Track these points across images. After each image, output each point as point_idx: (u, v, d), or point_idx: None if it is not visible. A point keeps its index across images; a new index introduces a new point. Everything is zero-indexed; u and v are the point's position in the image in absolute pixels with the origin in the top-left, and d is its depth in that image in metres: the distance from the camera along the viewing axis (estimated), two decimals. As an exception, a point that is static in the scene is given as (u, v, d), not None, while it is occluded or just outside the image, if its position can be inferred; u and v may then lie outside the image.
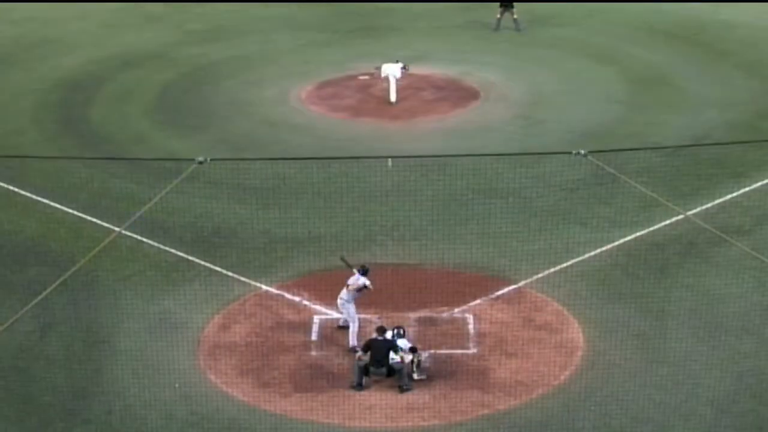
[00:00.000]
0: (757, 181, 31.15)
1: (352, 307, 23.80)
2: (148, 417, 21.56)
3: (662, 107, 38.56)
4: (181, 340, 24.00)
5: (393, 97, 39.03)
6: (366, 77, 40.61)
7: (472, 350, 23.71)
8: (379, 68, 39.50)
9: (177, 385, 22.42)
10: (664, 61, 43.57)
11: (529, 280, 26.15)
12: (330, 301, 24.46)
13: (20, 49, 46.45)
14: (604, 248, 27.73)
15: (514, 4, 47.60)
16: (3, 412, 21.85)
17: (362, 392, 22.32)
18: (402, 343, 22.78)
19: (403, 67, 39.24)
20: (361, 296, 23.94)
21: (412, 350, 22.81)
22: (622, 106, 38.84)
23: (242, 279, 26.48)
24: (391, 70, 39.12)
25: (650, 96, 39.79)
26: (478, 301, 25.38)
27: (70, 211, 29.90)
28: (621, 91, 40.37)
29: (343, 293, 23.85)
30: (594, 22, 49.44)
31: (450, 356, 23.40)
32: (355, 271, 23.92)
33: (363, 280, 23.82)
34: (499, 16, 47.72)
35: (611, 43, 46.18)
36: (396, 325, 23.42)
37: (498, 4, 47.84)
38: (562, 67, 43.18)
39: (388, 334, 22.83)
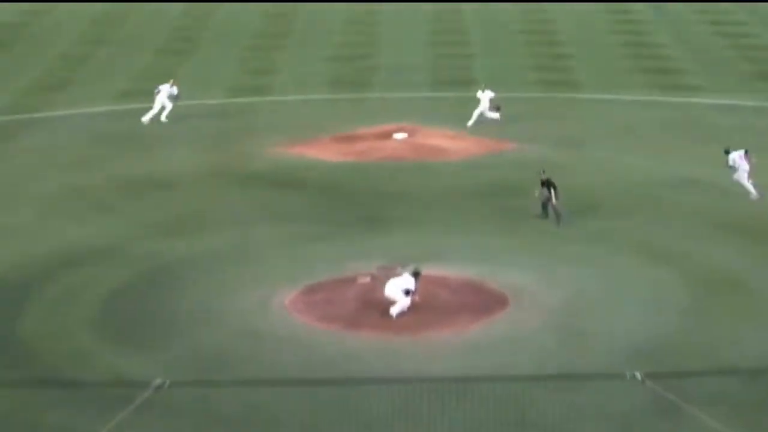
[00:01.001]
0: None
1: None
2: None
3: (735, 318, 38.31)
4: None
5: (393, 311, 38.59)
6: (366, 280, 40.29)
7: None
8: (383, 268, 39.13)
9: None
10: (734, 261, 43.53)
11: None
12: None
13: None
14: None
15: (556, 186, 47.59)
16: None
17: None
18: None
19: (415, 274, 38.61)
20: None
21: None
22: (683, 316, 38.62)
23: None
24: (395, 284, 38.43)
25: (719, 304, 39.58)
26: None
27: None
28: (681, 298, 40.20)
29: None
30: (645, 213, 49.60)
31: None
32: None
33: None
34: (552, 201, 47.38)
35: (667, 238, 46.24)
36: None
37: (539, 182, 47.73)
38: (607, 266, 43.16)
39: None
